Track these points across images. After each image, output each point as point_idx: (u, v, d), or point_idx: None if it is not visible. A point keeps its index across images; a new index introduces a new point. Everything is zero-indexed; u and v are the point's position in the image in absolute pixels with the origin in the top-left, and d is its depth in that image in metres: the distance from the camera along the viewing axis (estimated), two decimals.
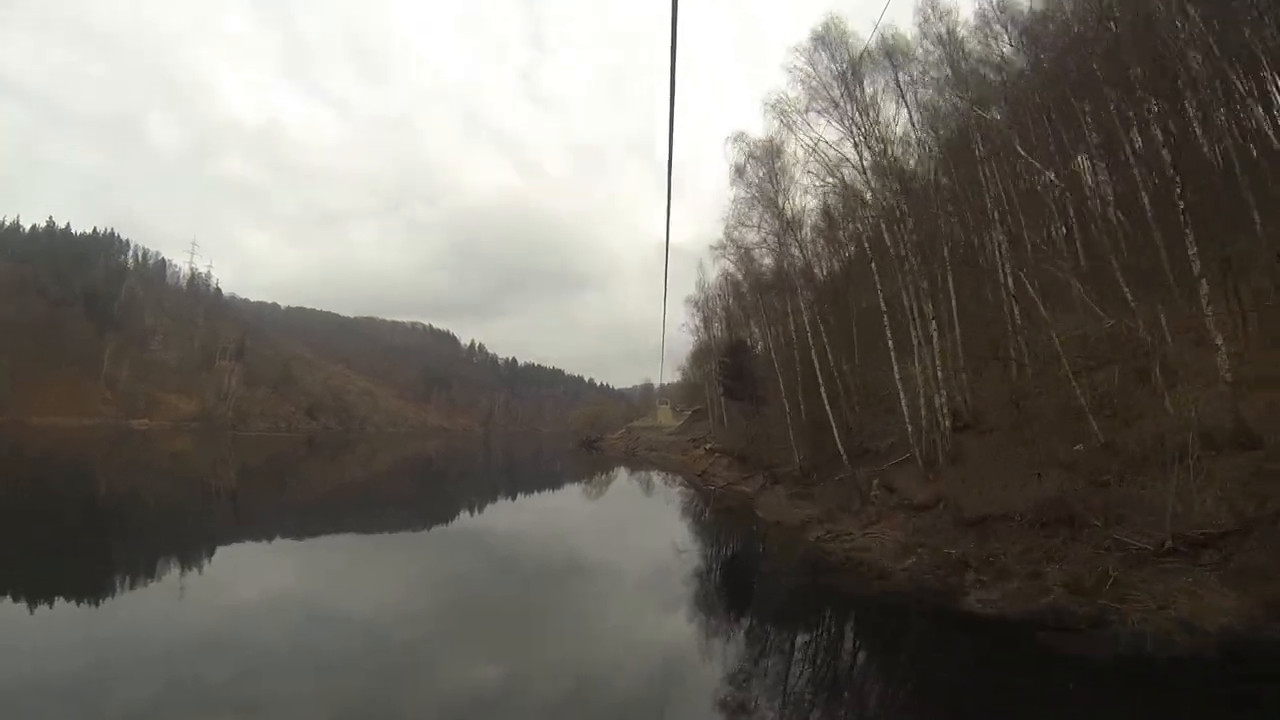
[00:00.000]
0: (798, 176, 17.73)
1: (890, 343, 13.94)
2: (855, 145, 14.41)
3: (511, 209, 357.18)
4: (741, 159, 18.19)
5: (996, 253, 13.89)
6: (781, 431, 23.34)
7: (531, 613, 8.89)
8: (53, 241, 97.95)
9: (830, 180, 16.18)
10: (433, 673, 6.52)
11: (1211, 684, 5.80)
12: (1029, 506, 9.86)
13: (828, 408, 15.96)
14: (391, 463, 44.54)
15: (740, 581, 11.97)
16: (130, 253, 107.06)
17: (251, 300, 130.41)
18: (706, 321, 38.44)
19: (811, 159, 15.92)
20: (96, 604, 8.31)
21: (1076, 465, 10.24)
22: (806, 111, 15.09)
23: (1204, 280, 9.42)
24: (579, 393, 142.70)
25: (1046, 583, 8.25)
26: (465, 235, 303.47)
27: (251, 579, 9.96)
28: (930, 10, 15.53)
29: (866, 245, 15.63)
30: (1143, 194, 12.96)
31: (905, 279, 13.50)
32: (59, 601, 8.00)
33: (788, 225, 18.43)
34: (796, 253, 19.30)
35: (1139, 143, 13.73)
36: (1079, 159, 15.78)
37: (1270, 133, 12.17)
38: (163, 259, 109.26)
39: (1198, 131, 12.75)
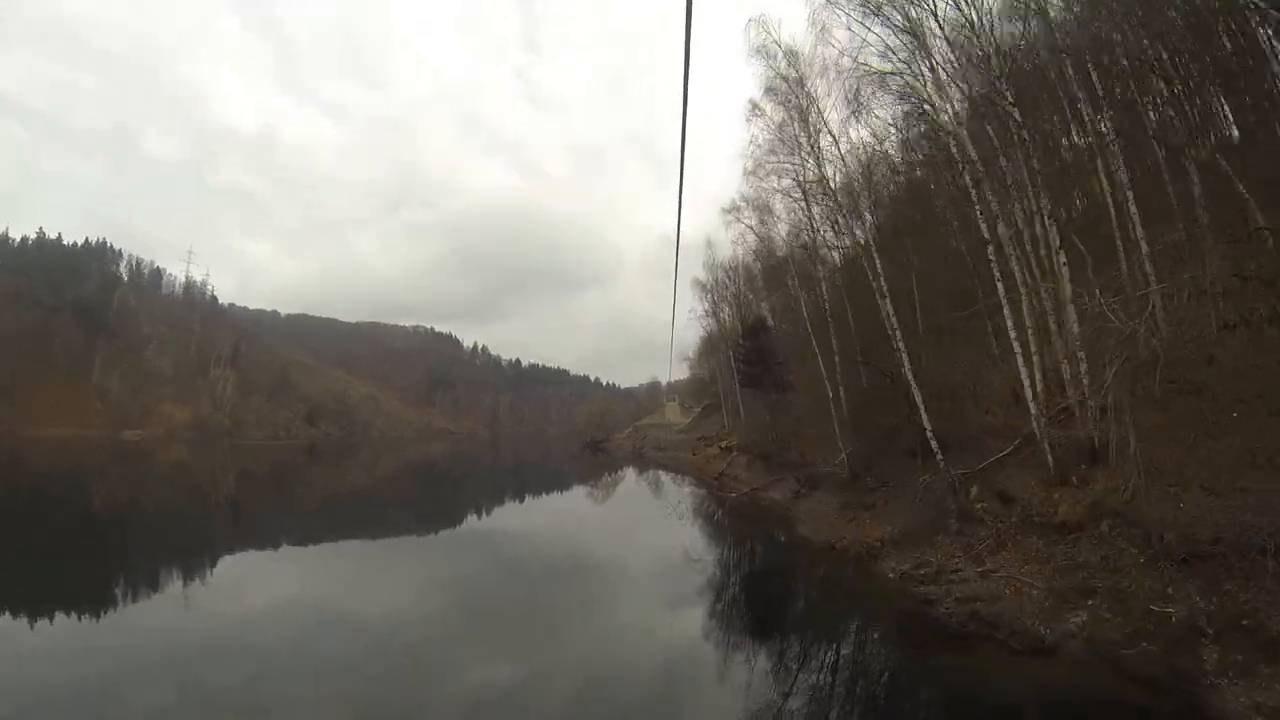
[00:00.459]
0: (834, 97, 13.64)
1: (1000, 284, 9.76)
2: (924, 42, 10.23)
3: (511, 210, 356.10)
4: (771, 75, 13.91)
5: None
6: (817, 423, 19.17)
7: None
8: (45, 253, 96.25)
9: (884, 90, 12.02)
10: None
11: None
12: None
13: (910, 378, 11.47)
14: (393, 471, 40.79)
15: (811, 673, 6.72)
16: (124, 262, 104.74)
17: (250, 308, 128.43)
18: (715, 306, 34.42)
19: (859, 74, 11.77)
20: (101, 615, 8.20)
21: None
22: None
23: None
24: (585, 392, 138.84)
25: None
26: (465, 238, 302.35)
27: (258, 587, 9.84)
28: None
29: (960, 171, 10.90)
30: None
31: (1021, 193, 9.34)
32: (70, 613, 8.01)
33: (824, 158, 14.24)
34: (838, 180, 14.95)
35: None
36: None
37: None
38: (158, 268, 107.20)
39: None
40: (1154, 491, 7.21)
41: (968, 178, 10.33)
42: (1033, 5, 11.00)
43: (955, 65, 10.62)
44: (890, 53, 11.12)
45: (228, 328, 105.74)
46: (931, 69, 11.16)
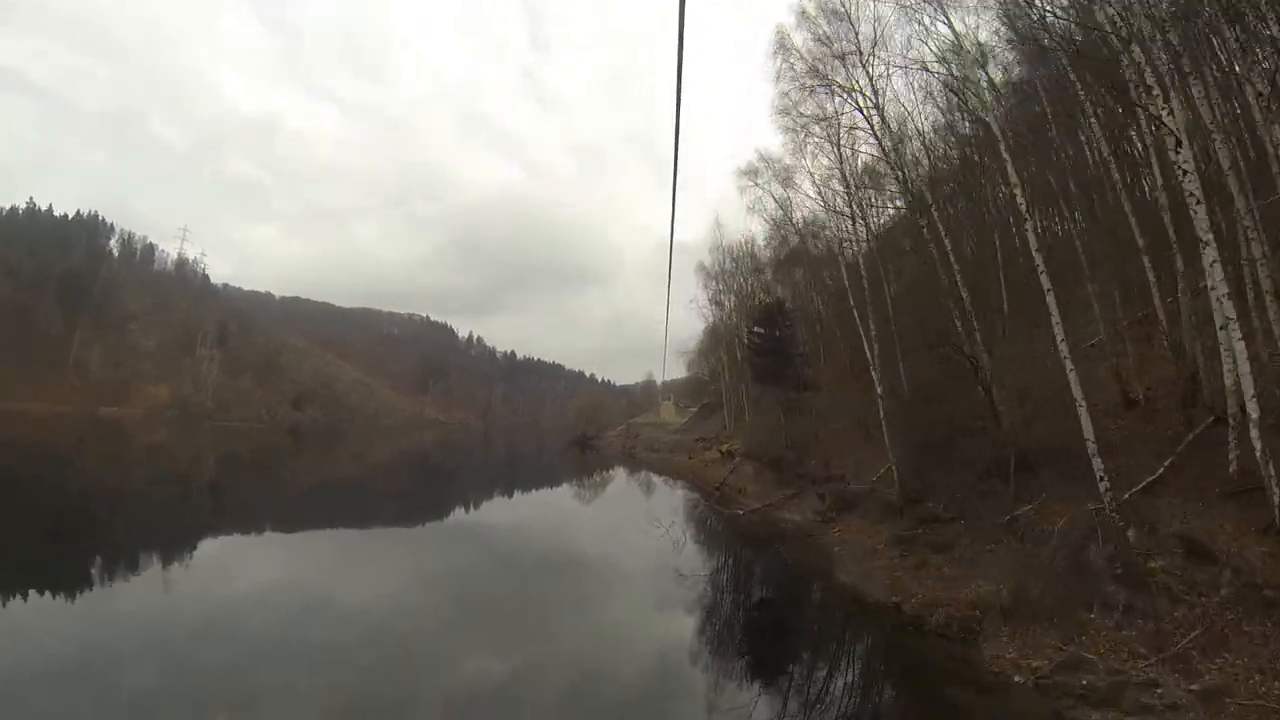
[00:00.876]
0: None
1: (1172, 239, 6.28)
2: None
3: (512, 206, 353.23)
4: None
5: None
6: (842, 425, 15.80)
7: None
8: (35, 223, 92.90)
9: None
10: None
11: None
12: None
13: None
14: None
15: None
16: (115, 237, 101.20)
17: (245, 289, 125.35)
18: (719, 294, 31.00)
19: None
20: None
21: None
22: None
23: None
24: (580, 387, 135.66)
25: None
26: (465, 232, 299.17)
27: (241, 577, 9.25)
28: None
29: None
30: None
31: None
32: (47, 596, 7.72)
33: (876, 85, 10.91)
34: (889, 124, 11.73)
35: None
36: None
37: None
38: (150, 244, 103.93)
39: None
40: None
41: (1087, 103, 6.85)
42: None
43: None
44: None
45: (218, 307, 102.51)
46: None
